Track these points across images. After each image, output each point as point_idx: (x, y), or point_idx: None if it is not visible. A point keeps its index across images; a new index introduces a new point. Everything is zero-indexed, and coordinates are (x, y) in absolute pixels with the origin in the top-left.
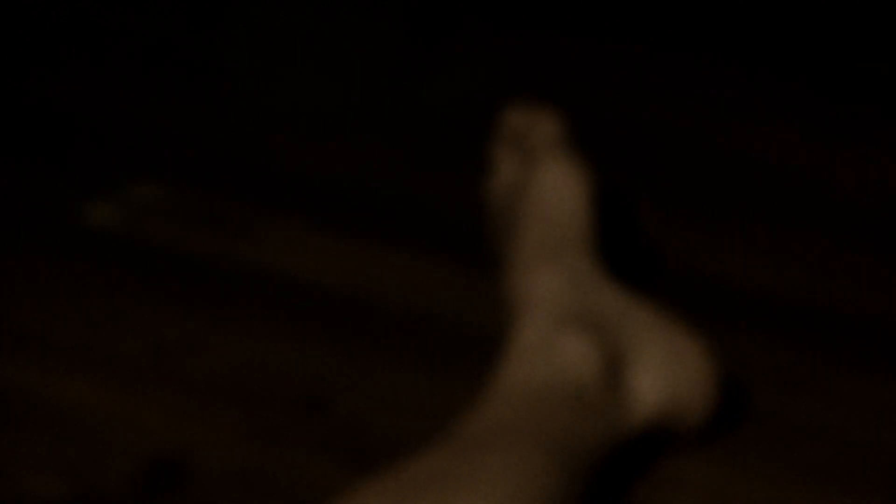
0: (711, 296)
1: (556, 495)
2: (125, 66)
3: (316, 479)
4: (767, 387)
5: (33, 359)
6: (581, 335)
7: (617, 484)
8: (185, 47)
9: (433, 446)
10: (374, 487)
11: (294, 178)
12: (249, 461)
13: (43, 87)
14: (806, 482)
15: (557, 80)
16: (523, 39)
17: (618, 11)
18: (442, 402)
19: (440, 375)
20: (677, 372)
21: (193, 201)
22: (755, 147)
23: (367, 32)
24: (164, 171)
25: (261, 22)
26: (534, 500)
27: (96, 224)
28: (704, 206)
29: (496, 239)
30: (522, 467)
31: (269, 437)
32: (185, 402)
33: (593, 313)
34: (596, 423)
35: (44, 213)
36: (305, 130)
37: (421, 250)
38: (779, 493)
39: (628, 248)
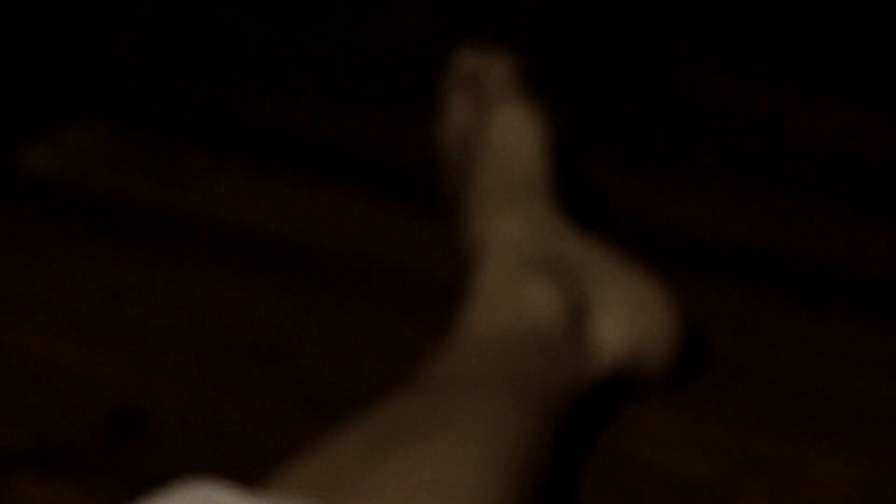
0: (671, 244)
1: (524, 440)
2: (63, 9)
3: (275, 425)
4: (730, 334)
5: None
6: (543, 281)
7: (583, 432)
8: None
9: (399, 395)
10: (343, 438)
11: (237, 124)
12: (207, 409)
13: None
14: (771, 429)
15: (506, 23)
16: None
17: None
18: (394, 348)
19: (393, 321)
20: (640, 317)
21: (134, 147)
22: (715, 96)
23: None
24: (104, 117)
25: None
26: (502, 445)
27: (36, 170)
28: (663, 154)
29: (449, 184)
30: (490, 414)
31: (225, 385)
32: (139, 351)
33: (555, 259)
34: (560, 369)
35: None
36: (247, 75)
37: (371, 196)
38: (743, 440)
39: (584, 196)
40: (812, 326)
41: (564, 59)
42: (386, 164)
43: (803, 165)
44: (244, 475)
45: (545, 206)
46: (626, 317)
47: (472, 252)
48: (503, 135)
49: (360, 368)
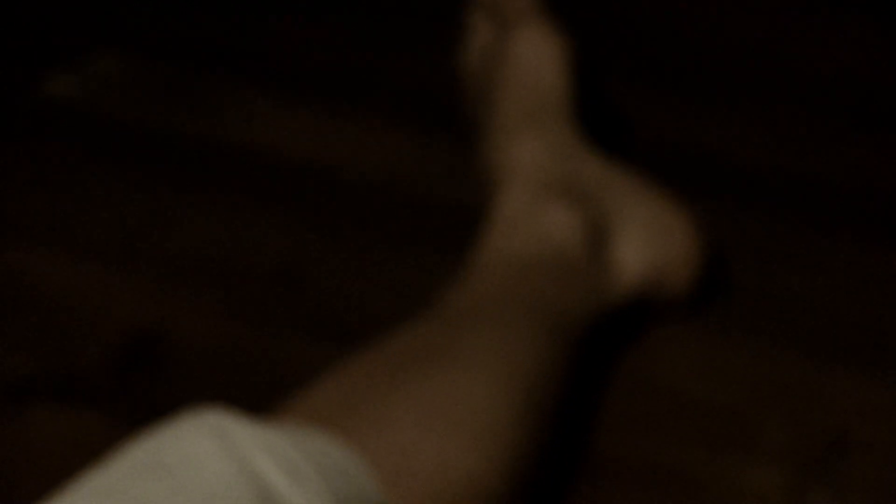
0: (694, 167)
1: (540, 366)
2: None
3: (294, 354)
4: (752, 258)
5: (1, 238)
6: (563, 205)
7: (603, 357)
8: None
9: (415, 324)
10: (356, 366)
11: (262, 52)
12: (226, 337)
13: None
14: (792, 354)
15: None
16: None
17: None
18: (417, 276)
19: (415, 249)
20: (661, 241)
21: (158, 75)
22: (740, 20)
23: None
24: (128, 44)
25: None
26: (517, 371)
27: (59, 98)
28: (683, 78)
29: (472, 110)
30: (506, 340)
31: (244, 313)
32: (158, 279)
33: (576, 182)
34: (581, 293)
35: (1, 84)
36: (266, 4)
37: (392, 122)
38: (765, 365)
39: (607, 120)
40: (832, 250)
41: None
42: (409, 92)
43: (823, 88)
44: (261, 403)
45: (566, 130)
46: (647, 241)
47: (493, 177)
48: (523, 59)
49: (381, 297)
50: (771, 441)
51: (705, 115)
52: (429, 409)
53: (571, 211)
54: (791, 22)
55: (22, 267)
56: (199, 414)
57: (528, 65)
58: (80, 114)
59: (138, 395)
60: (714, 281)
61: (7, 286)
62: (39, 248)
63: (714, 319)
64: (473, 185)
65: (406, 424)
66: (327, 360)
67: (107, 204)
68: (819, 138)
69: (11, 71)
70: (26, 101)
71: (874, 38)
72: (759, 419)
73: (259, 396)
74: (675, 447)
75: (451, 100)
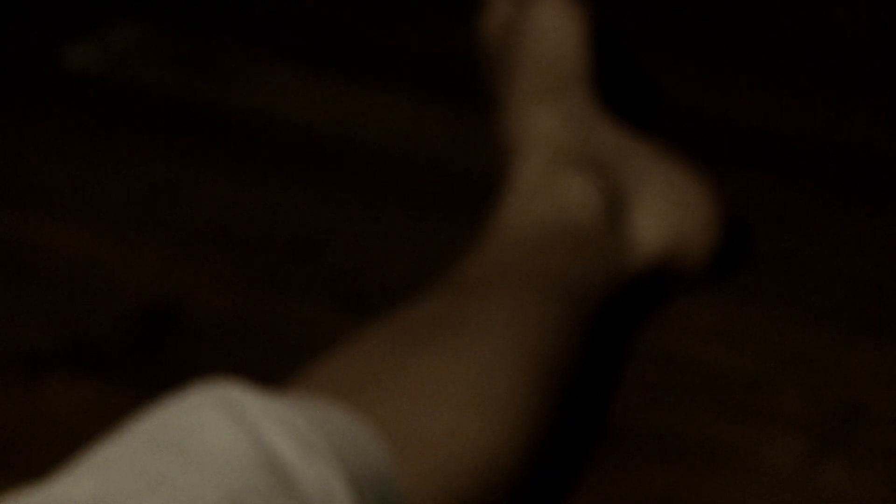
0: (714, 135)
1: (558, 337)
2: None
3: (311, 322)
4: (772, 226)
5: (21, 206)
6: (581, 175)
7: (621, 328)
8: None
9: (435, 291)
10: (368, 337)
11: (283, 22)
12: (242, 307)
13: None
14: (812, 323)
15: None
16: None
17: None
18: (434, 245)
19: (433, 218)
20: (680, 211)
21: (179, 44)
22: None
23: None
24: (149, 13)
25: None
26: (531, 342)
27: (78, 67)
28: (706, 47)
29: (490, 80)
30: (524, 310)
31: (262, 282)
32: (175, 248)
33: (594, 152)
34: (598, 264)
35: (23, 56)
36: None
37: (412, 93)
38: (785, 332)
39: (627, 88)
40: (855, 219)
41: None
42: (429, 62)
43: (847, 57)
44: (277, 372)
45: (585, 101)
46: (666, 211)
47: (510, 147)
48: (542, 27)
49: (398, 265)
50: (789, 410)
51: (729, 83)
52: (441, 379)
53: (589, 180)
54: None
55: (41, 236)
56: (208, 385)
57: (548, 35)
58: (101, 84)
59: (155, 364)
60: (734, 250)
61: (26, 255)
62: (59, 218)
63: (734, 289)
64: (492, 154)
65: (417, 394)
66: (344, 329)
67: (125, 173)
68: (846, 107)
69: (33, 42)
70: (47, 71)
71: None
72: (778, 388)
73: (275, 365)
74: (693, 417)
75: (471, 69)
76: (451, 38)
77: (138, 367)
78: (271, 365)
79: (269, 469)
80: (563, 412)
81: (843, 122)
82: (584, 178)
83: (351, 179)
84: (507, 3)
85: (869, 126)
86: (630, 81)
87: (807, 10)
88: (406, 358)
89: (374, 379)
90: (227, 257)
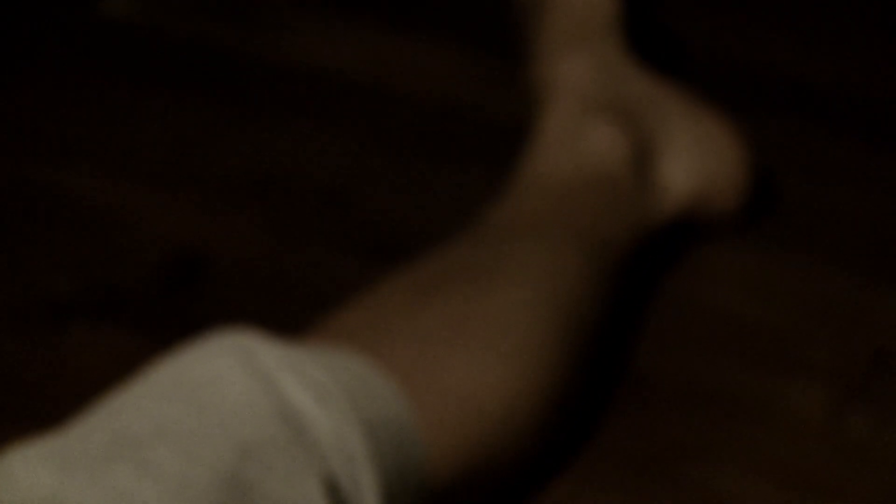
0: (742, 82)
1: (583, 286)
2: None
3: (337, 272)
4: (799, 174)
5: (49, 154)
6: (610, 123)
7: (648, 276)
8: None
9: (454, 243)
10: (390, 286)
11: None
12: (268, 257)
13: None
14: (838, 272)
15: None
16: None
17: None
18: (462, 194)
19: (460, 166)
20: (708, 158)
21: None
22: None
23: None
24: None
25: None
26: (561, 290)
27: (112, 16)
28: None
29: (521, 28)
30: (550, 259)
31: (288, 232)
32: (200, 197)
33: (622, 101)
34: (626, 211)
35: (54, 6)
36: None
37: (443, 40)
38: (810, 283)
39: (656, 36)
40: (884, 167)
41: None
42: (462, 9)
43: (874, 3)
44: (303, 322)
45: (613, 48)
46: (693, 160)
47: (539, 95)
48: None
49: (426, 215)
50: (814, 359)
51: (756, 30)
52: (462, 327)
53: (617, 129)
54: None
55: (67, 185)
56: (224, 334)
57: None
58: (135, 34)
59: (180, 314)
60: (762, 198)
61: (51, 205)
62: (84, 167)
63: (760, 237)
64: (521, 102)
65: (438, 341)
66: (370, 280)
67: (155, 123)
68: (871, 54)
69: None
70: (81, 22)
71: None
72: (803, 337)
73: (301, 315)
74: (716, 366)
75: (501, 17)
76: None
77: (163, 316)
78: (297, 315)
79: (282, 418)
80: (585, 362)
81: (871, 72)
82: (612, 126)
83: (378, 129)
84: None
85: None
86: (658, 29)
87: None
88: (428, 305)
89: (396, 326)
90: (254, 207)
